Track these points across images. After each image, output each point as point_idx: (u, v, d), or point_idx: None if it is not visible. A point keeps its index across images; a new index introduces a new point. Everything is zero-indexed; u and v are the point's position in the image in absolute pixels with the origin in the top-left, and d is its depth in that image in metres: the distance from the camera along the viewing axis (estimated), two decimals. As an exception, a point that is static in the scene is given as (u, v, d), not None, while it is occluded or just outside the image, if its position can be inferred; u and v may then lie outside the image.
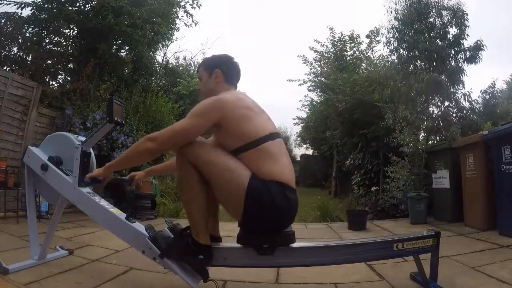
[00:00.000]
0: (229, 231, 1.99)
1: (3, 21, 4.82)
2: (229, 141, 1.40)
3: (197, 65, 13.94)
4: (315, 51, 11.54)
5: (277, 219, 1.36)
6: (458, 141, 3.64)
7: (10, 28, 4.76)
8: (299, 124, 13.29)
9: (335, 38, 11.23)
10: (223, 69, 1.57)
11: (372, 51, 10.65)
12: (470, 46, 4.43)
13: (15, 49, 4.83)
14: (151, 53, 6.96)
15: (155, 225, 1.65)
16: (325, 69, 11.12)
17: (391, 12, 4.90)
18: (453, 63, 4.48)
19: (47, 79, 5.28)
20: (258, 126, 1.40)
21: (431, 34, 4.60)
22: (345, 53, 11.04)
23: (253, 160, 1.35)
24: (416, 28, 4.65)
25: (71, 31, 5.48)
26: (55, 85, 5.55)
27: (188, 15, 6.54)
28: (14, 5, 4.96)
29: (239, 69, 1.64)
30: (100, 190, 1.73)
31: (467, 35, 4.49)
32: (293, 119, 13.39)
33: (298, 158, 17.24)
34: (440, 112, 4.57)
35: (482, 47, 4.37)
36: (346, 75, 7.82)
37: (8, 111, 3.71)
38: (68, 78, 5.74)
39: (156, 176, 5.05)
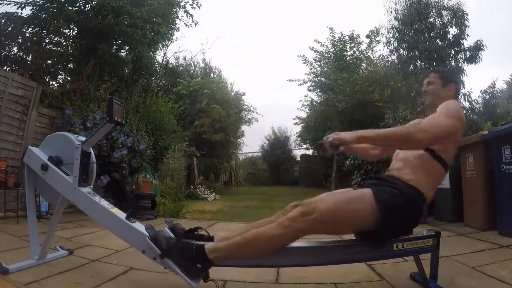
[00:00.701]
0: (229, 231, 1.99)
1: (3, 21, 4.81)
2: (441, 148, 1.46)
3: (197, 65, 13.96)
4: (315, 51, 11.56)
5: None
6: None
7: (10, 28, 4.76)
8: (299, 124, 13.31)
9: (335, 38, 11.24)
10: (457, 86, 1.74)
11: (372, 51, 10.67)
12: (470, 46, 4.44)
13: (15, 49, 4.83)
14: (151, 53, 6.95)
15: (155, 225, 1.65)
16: (325, 69, 11.13)
17: (391, 12, 4.92)
18: (453, 63, 4.49)
19: (47, 79, 5.28)
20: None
21: (431, 34, 4.61)
22: (345, 53, 11.04)
23: (432, 174, 1.46)
24: (416, 28, 4.66)
25: (71, 31, 5.47)
26: (55, 85, 5.55)
27: (188, 15, 6.54)
28: (14, 5, 4.95)
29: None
30: (100, 186, 1.70)
31: (467, 35, 4.51)
32: (293, 119, 13.41)
33: (298, 158, 17.26)
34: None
35: (482, 47, 4.38)
36: (346, 75, 7.83)
37: (8, 111, 3.71)
38: (68, 78, 5.73)
39: (156, 175, 5.05)
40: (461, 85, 4.43)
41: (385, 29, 4.98)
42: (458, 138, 1.55)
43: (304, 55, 11.71)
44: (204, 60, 14.25)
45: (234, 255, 1.37)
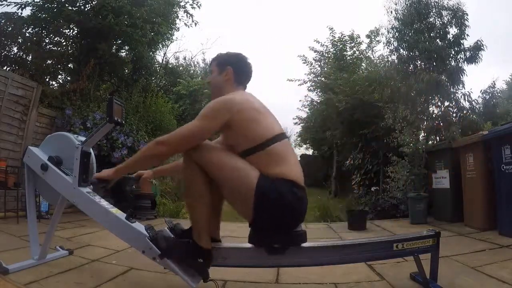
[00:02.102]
0: (229, 231, 2.00)
1: (3, 21, 4.81)
2: (238, 143, 1.40)
3: (197, 65, 13.97)
4: (315, 51, 11.54)
5: (287, 217, 1.35)
6: (458, 141, 3.64)
7: (10, 28, 4.76)
8: (299, 124, 13.30)
9: (335, 38, 11.22)
10: (234, 68, 1.56)
11: (372, 51, 10.65)
12: (470, 46, 4.43)
13: (15, 49, 4.84)
14: (151, 53, 6.95)
15: (155, 225, 1.65)
16: (325, 69, 11.12)
17: (391, 12, 4.91)
18: (453, 63, 4.49)
19: (47, 79, 5.29)
20: (266, 128, 1.40)
21: (431, 34, 4.60)
22: (345, 53, 11.03)
23: (261, 162, 1.35)
24: (416, 28, 4.65)
25: (71, 31, 5.47)
26: (55, 85, 5.55)
27: (188, 15, 6.54)
28: (14, 5, 4.96)
29: (251, 71, 1.63)
30: (100, 191, 1.73)
31: (467, 35, 4.50)
32: (293, 119, 13.38)
33: (298, 158, 17.21)
34: (440, 112, 4.57)
35: (482, 47, 4.37)
36: (346, 75, 7.82)
37: (8, 111, 3.71)
38: (68, 78, 5.74)
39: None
40: (462, 85, 4.43)
41: (385, 29, 4.98)
42: (241, 122, 1.38)
43: (304, 55, 11.69)
44: (204, 60, 14.27)
45: (198, 221, 1.40)
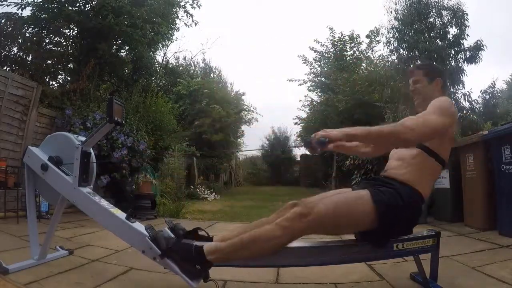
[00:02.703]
0: (229, 231, 1.99)
1: (3, 21, 4.81)
2: (435, 146, 1.46)
3: (197, 65, 13.96)
4: (315, 51, 11.56)
5: (411, 226, 1.47)
6: (458, 141, 3.64)
7: (10, 28, 4.75)
8: (299, 124, 13.31)
9: (335, 38, 11.24)
10: (443, 79, 1.65)
11: (372, 51, 10.66)
12: (470, 46, 4.44)
13: (15, 49, 4.83)
14: (151, 53, 6.96)
15: (155, 225, 1.65)
16: (325, 69, 11.13)
17: (391, 12, 4.92)
18: (453, 63, 4.49)
19: (47, 79, 5.28)
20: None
21: (431, 34, 4.61)
22: (345, 53, 11.04)
23: (426, 171, 1.45)
24: (416, 28, 4.66)
25: (71, 31, 5.47)
26: (55, 85, 5.55)
27: (188, 15, 6.54)
28: (14, 5, 4.96)
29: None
30: (100, 186, 1.68)
31: (467, 35, 4.51)
32: (293, 119, 13.40)
33: (298, 158, 17.25)
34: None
35: (482, 47, 4.38)
36: (346, 75, 7.83)
37: (8, 111, 3.71)
38: (68, 78, 5.73)
39: (156, 175, 5.06)
40: (462, 85, 4.44)
41: (385, 29, 4.99)
42: (451, 135, 1.53)
43: (304, 55, 11.72)
44: (204, 60, 14.28)
45: (232, 257, 1.37)
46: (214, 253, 1.35)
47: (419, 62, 4.50)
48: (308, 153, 15.14)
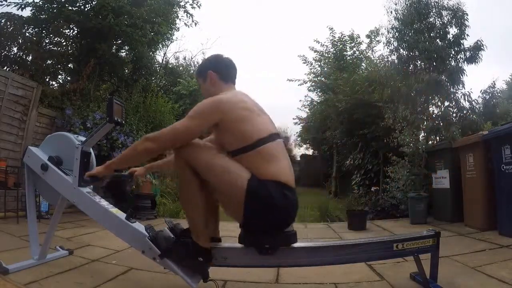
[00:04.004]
0: (229, 231, 2.00)
1: (3, 21, 4.81)
2: (229, 142, 1.40)
3: (197, 65, 13.96)
4: (315, 51, 11.55)
5: (277, 218, 1.36)
6: (458, 141, 3.64)
7: (10, 28, 4.76)
8: (299, 124, 13.31)
9: (335, 38, 11.23)
10: (214, 69, 1.56)
11: (372, 51, 10.66)
12: (470, 46, 4.43)
13: (15, 49, 4.83)
14: (151, 53, 6.95)
15: (155, 225, 1.65)
16: (325, 69, 11.13)
17: (391, 12, 4.91)
18: (453, 63, 4.48)
19: (47, 79, 5.29)
20: (258, 128, 1.39)
21: (431, 34, 4.60)
22: (345, 53, 11.04)
23: (252, 162, 1.35)
24: (416, 28, 4.65)
25: (71, 31, 5.47)
26: (55, 85, 5.55)
27: (188, 15, 6.54)
28: (14, 5, 4.96)
29: (232, 65, 1.61)
30: (100, 190, 1.74)
31: (467, 35, 4.50)
32: (293, 119, 13.41)
33: (298, 158, 17.24)
34: (440, 112, 4.57)
35: (482, 47, 4.37)
36: (346, 75, 7.83)
37: (8, 111, 3.71)
38: (68, 78, 5.74)
39: (156, 175, 5.05)
40: (461, 85, 4.43)
41: (385, 29, 4.97)
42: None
43: (304, 55, 11.71)
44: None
45: (193, 220, 1.42)
46: (193, 233, 1.42)
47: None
48: (308, 153, 15.18)
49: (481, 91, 4.68)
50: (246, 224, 1.38)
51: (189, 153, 1.37)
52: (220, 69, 1.57)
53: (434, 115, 4.61)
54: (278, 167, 1.36)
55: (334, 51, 11.19)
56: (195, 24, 6.67)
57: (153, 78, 7.65)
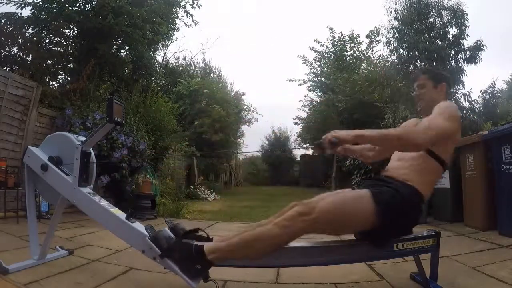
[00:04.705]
0: (229, 231, 2.00)
1: (3, 21, 4.81)
2: (444, 150, 1.46)
3: (197, 65, 13.96)
4: (315, 51, 11.57)
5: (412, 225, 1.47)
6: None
7: (10, 28, 4.76)
8: (299, 124, 13.32)
9: (335, 38, 11.25)
10: (448, 83, 1.67)
11: (372, 51, 10.67)
12: (470, 46, 4.43)
13: (15, 49, 4.83)
14: (151, 53, 6.96)
15: (155, 225, 1.65)
16: (325, 69, 11.13)
17: (391, 12, 4.92)
18: (453, 63, 4.49)
19: (47, 79, 5.28)
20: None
21: (431, 34, 4.61)
22: (345, 53, 11.05)
23: (428, 171, 1.45)
24: (416, 28, 4.66)
25: (71, 31, 5.47)
26: (55, 85, 5.55)
27: (188, 15, 6.54)
28: (14, 5, 4.95)
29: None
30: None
31: (467, 35, 4.50)
32: (293, 119, 13.42)
33: (298, 158, 17.27)
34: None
35: (482, 47, 4.37)
36: (346, 75, 7.84)
37: (8, 111, 3.71)
38: (68, 78, 5.73)
39: (156, 175, 5.05)
40: (461, 85, 4.44)
41: (385, 29, 4.99)
42: (457, 139, 1.53)
43: (304, 55, 11.73)
44: (204, 60, 14.29)
45: (232, 256, 1.37)
46: (214, 252, 1.35)
47: (424, 67, 4.50)
48: (308, 153, 15.19)
49: (481, 91, 4.70)
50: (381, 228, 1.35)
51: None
52: (450, 87, 1.71)
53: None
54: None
55: (334, 51, 11.20)
56: (195, 24, 6.68)
57: (153, 78, 7.65)
